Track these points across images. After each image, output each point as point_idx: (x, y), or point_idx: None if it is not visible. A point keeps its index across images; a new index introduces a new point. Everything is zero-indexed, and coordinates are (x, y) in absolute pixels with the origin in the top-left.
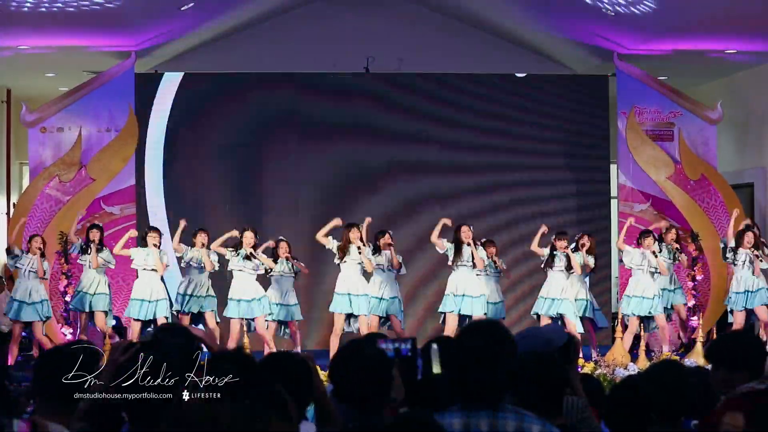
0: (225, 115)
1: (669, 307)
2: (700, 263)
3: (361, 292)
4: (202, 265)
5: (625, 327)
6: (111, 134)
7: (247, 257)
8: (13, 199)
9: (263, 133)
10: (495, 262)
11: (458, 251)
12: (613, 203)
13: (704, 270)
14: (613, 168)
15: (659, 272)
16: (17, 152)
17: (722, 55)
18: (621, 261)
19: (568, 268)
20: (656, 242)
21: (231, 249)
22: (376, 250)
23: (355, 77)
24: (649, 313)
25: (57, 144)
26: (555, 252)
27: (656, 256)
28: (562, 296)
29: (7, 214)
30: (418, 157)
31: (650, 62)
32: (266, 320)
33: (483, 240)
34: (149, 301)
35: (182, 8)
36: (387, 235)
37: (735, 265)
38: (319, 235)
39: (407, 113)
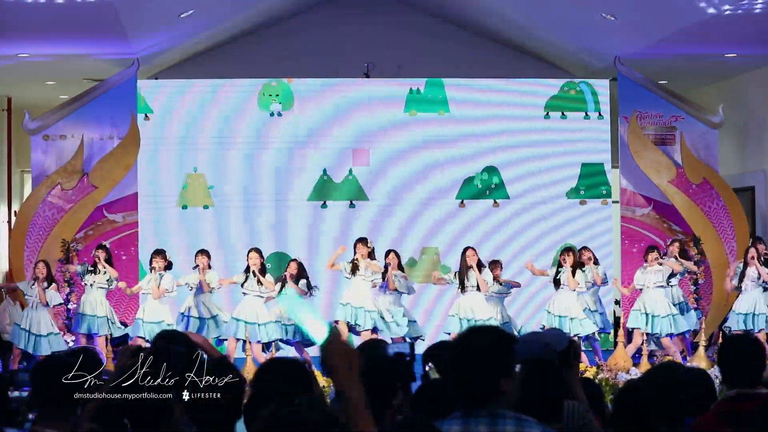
0: (225, 122)
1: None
2: (702, 267)
3: (369, 308)
4: (211, 287)
5: (627, 334)
6: (113, 141)
7: (254, 274)
8: (14, 207)
9: (264, 139)
10: (500, 283)
11: (463, 276)
12: (615, 208)
13: (706, 274)
14: (614, 172)
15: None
16: (18, 160)
17: (722, 59)
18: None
19: (565, 282)
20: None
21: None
22: (386, 271)
23: (356, 82)
24: (659, 331)
25: (59, 151)
26: (560, 269)
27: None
28: (571, 314)
29: (8, 222)
30: (418, 163)
31: (651, 66)
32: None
33: (489, 261)
34: (154, 323)
35: (181, 15)
36: (392, 254)
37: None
38: (328, 266)
39: (407, 119)
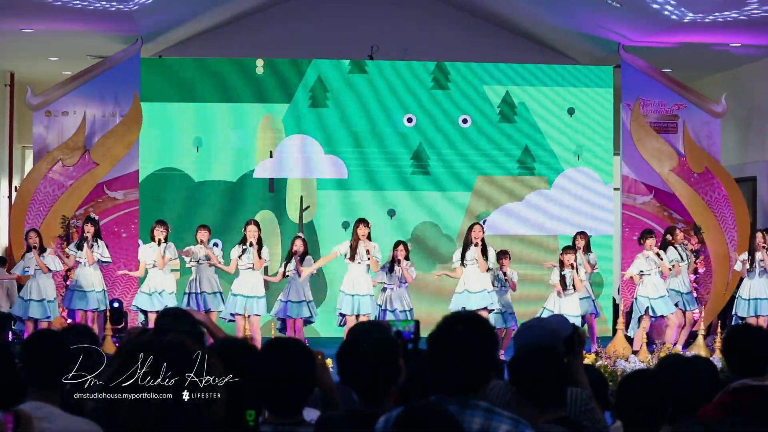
0: (229, 100)
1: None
2: (702, 256)
3: (366, 292)
4: (206, 262)
5: (627, 320)
6: (116, 119)
7: (254, 245)
8: (15, 182)
9: (268, 120)
10: (505, 275)
11: (466, 250)
12: (617, 195)
13: (706, 263)
14: (616, 159)
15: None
16: (20, 136)
17: (727, 48)
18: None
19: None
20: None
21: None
22: (392, 264)
23: (360, 65)
24: (662, 314)
25: (61, 128)
26: (563, 272)
27: (661, 258)
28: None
29: (9, 197)
30: (418, 148)
31: (655, 54)
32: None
33: (498, 251)
34: (157, 293)
35: None
36: (401, 246)
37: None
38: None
39: (408, 102)
